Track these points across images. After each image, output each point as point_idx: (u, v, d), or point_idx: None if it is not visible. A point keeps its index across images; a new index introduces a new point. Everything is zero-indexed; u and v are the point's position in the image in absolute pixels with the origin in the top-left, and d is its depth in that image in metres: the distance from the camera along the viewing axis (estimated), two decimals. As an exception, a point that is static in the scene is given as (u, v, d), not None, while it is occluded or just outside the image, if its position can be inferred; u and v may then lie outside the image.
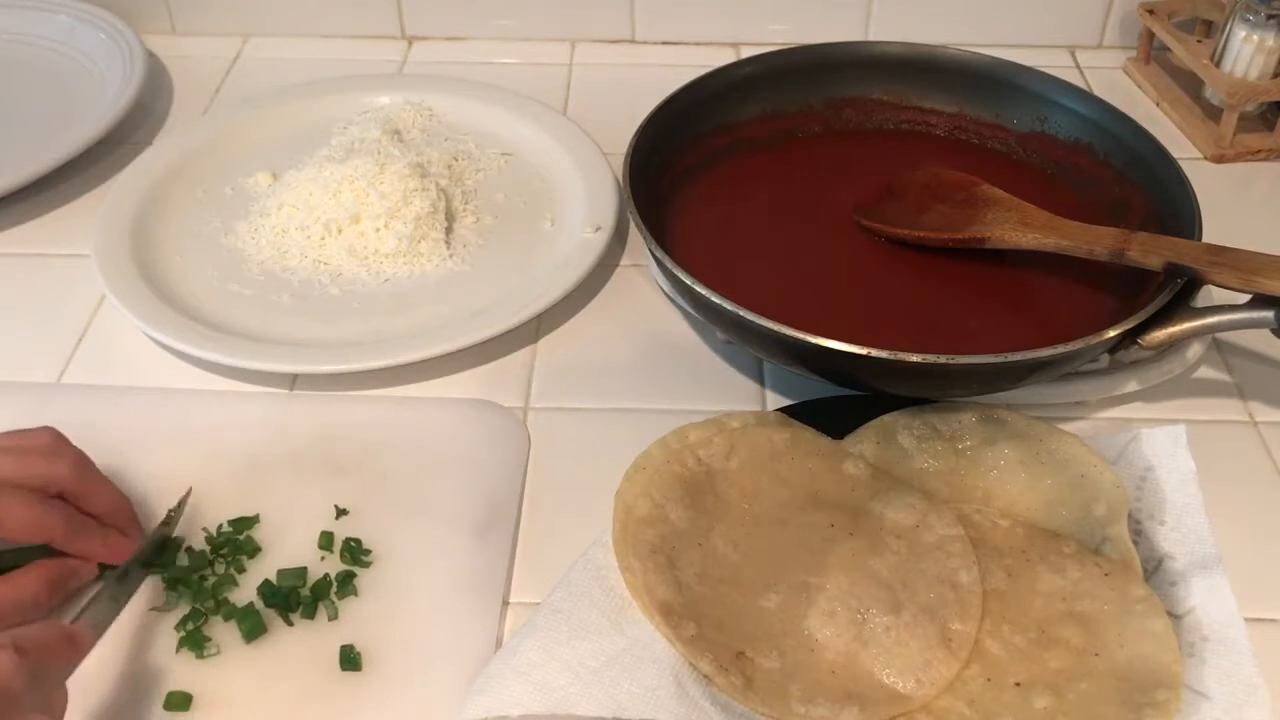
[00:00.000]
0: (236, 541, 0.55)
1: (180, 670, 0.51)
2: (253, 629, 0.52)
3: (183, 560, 0.55)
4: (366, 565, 0.55)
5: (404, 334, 0.67)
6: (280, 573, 0.54)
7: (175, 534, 0.56)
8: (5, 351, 0.68)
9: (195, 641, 0.51)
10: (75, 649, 0.46)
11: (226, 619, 0.52)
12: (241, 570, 0.55)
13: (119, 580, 0.52)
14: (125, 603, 0.51)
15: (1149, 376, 0.63)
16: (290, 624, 0.53)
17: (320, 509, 0.57)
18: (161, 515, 0.56)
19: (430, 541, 0.56)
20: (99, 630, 0.48)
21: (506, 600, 0.54)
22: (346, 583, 0.54)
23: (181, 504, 0.56)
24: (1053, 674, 0.49)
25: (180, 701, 0.50)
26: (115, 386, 0.65)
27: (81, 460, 0.54)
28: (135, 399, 0.64)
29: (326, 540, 0.56)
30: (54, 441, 0.54)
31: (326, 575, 0.54)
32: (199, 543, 0.56)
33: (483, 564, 0.55)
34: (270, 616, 0.53)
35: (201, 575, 0.54)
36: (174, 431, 0.62)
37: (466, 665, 0.51)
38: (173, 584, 0.54)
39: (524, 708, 0.48)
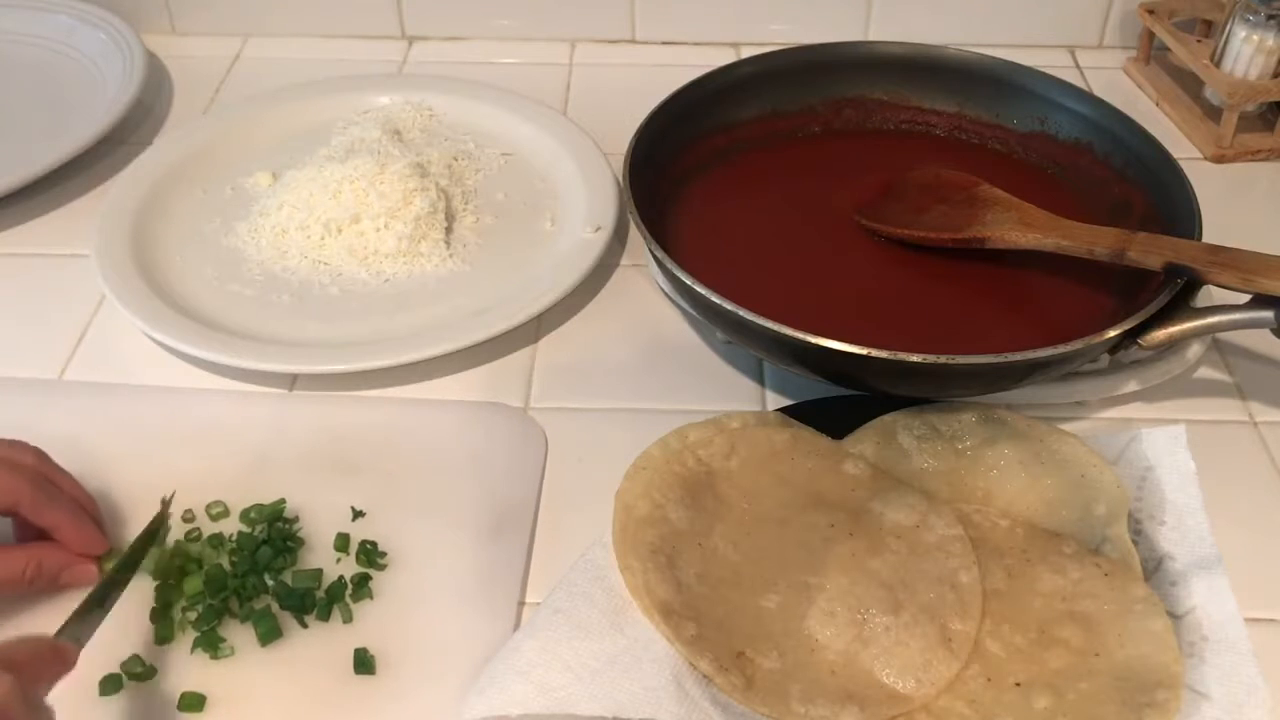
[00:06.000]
0: (278, 545, 0.55)
1: (194, 671, 0.51)
2: (268, 632, 0.52)
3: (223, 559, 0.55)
4: (382, 568, 0.55)
5: (404, 334, 0.67)
6: (295, 574, 0.54)
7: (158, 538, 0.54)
8: (6, 350, 0.68)
9: (210, 642, 0.51)
10: (62, 664, 0.45)
11: (243, 621, 0.52)
12: (279, 572, 0.54)
13: (103, 589, 0.50)
14: (108, 612, 0.49)
15: (1149, 376, 0.63)
16: (305, 626, 0.53)
17: (326, 509, 0.57)
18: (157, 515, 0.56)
19: (444, 543, 0.56)
20: (81, 643, 0.47)
21: (521, 602, 0.54)
22: (362, 585, 0.54)
23: (165, 508, 0.55)
24: (1053, 674, 0.49)
25: (194, 702, 0.50)
26: (115, 386, 0.65)
27: (43, 454, 0.54)
28: (135, 398, 0.64)
29: (343, 542, 0.56)
30: (13, 439, 0.54)
31: (341, 578, 0.54)
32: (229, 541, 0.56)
33: (497, 566, 0.55)
34: (285, 619, 0.53)
35: (240, 579, 0.53)
36: (174, 431, 0.62)
37: (481, 668, 0.50)
38: (214, 587, 0.53)
39: (524, 708, 0.48)
